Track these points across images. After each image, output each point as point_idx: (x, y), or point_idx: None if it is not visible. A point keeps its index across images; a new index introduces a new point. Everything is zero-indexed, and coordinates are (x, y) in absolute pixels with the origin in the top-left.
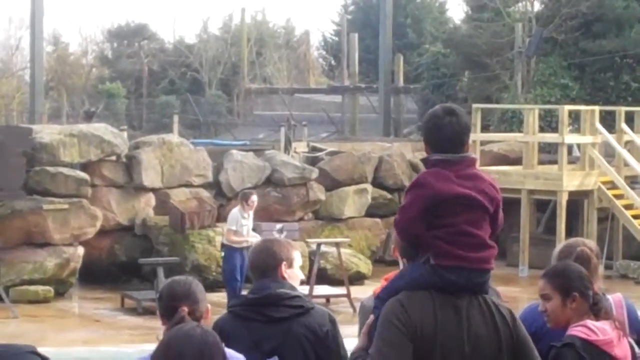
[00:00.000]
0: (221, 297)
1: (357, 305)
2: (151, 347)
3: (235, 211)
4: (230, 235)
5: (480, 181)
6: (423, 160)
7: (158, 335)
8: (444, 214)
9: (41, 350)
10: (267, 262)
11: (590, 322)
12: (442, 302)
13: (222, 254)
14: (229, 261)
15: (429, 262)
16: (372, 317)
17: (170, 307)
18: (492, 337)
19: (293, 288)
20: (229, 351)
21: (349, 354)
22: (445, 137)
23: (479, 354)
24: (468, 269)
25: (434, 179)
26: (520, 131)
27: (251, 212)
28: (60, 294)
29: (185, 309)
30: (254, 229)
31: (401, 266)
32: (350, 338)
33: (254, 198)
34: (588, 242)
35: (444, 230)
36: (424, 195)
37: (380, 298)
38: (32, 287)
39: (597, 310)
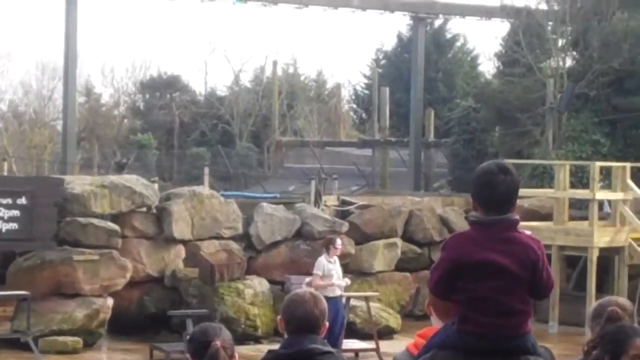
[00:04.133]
0: (250, 349)
1: None
2: None
3: (321, 258)
4: (317, 280)
5: (514, 245)
6: (466, 219)
7: None
8: (467, 279)
9: None
10: (318, 319)
11: None
12: None
13: None
14: None
15: (454, 324)
16: None
17: (203, 343)
18: None
19: (325, 344)
20: None
21: None
22: (496, 196)
23: None
24: (492, 335)
25: (459, 243)
26: (551, 187)
27: (336, 258)
28: (89, 345)
29: (218, 343)
30: (282, 283)
31: (432, 321)
32: None
33: (339, 242)
34: (621, 301)
35: (466, 295)
36: (447, 258)
37: (420, 354)
38: (61, 338)
39: None
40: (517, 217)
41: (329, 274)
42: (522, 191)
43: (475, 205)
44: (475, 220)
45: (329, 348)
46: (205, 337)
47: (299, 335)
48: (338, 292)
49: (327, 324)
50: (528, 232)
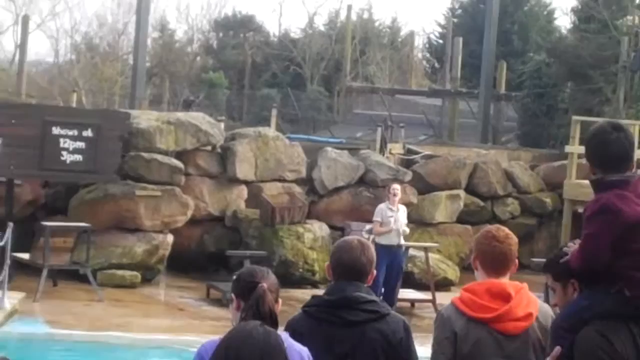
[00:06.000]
0: (307, 294)
1: None
2: None
3: (381, 205)
4: (377, 227)
5: None
6: (595, 182)
7: (233, 322)
8: (636, 240)
9: (125, 335)
10: (364, 266)
11: None
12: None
13: None
14: None
15: (621, 292)
16: (558, 348)
17: (250, 284)
18: None
19: (369, 292)
20: (292, 342)
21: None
22: (613, 154)
23: None
24: None
25: (622, 203)
26: None
27: (400, 206)
28: (147, 280)
29: (265, 285)
30: (342, 228)
31: (477, 277)
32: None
33: (394, 186)
34: None
35: (636, 258)
36: (614, 221)
37: (564, 328)
38: (120, 272)
39: None
40: None
41: (387, 221)
42: None
43: (593, 169)
44: (618, 180)
45: (373, 297)
46: (252, 278)
47: (344, 282)
48: (395, 241)
49: (374, 272)
50: None
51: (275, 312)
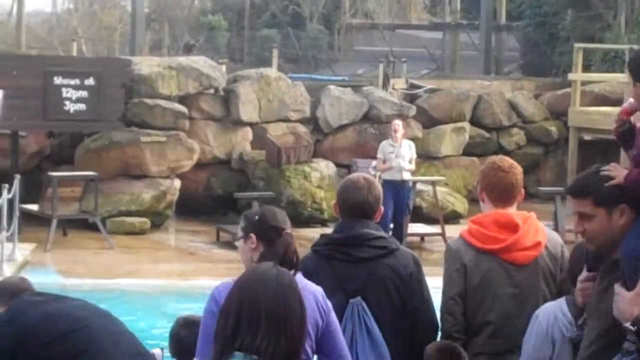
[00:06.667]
0: (316, 232)
1: None
2: None
3: (383, 142)
4: (380, 164)
5: None
6: None
7: (242, 259)
8: None
9: (136, 281)
10: (371, 205)
11: None
12: None
13: None
14: None
15: None
16: None
17: (275, 229)
18: None
19: (378, 228)
20: (306, 282)
21: (432, 293)
22: None
23: None
24: None
25: None
26: (622, 72)
27: (405, 141)
28: (156, 226)
29: (290, 232)
30: (349, 166)
31: (482, 208)
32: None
33: (395, 122)
34: None
35: None
36: None
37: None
38: (129, 219)
39: None
40: None
41: (388, 158)
42: (593, 76)
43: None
44: None
45: (381, 233)
46: (276, 223)
47: (352, 220)
48: (398, 177)
49: (382, 208)
50: None
51: (298, 256)
